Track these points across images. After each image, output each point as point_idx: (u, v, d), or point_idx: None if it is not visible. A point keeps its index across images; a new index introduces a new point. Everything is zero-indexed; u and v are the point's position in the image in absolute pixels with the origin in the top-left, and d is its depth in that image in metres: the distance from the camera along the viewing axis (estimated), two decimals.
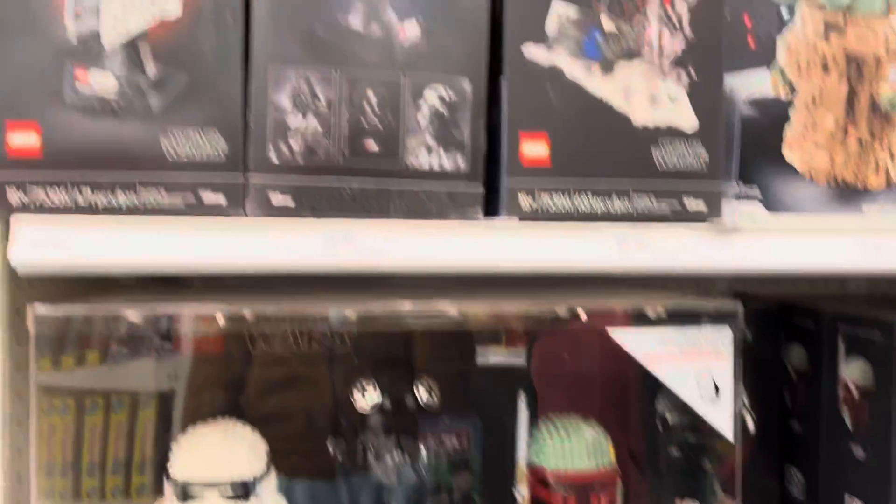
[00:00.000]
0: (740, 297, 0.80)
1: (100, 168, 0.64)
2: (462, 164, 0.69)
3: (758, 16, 0.76)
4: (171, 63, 0.66)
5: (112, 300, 0.75)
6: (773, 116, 0.77)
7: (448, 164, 0.69)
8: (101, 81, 0.65)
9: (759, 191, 0.76)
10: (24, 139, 0.63)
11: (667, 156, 0.71)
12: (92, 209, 0.64)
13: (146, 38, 0.65)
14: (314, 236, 0.66)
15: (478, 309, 0.76)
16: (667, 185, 0.71)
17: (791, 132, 0.76)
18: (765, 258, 0.74)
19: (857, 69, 0.77)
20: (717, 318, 0.78)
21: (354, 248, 0.67)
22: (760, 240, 0.74)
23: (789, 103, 0.76)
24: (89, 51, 0.64)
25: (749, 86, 0.76)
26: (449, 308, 0.73)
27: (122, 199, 0.64)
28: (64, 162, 0.64)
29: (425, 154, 0.69)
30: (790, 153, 0.76)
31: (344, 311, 0.72)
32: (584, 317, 0.75)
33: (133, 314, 0.69)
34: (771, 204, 0.76)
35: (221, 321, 0.70)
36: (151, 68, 0.65)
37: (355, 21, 0.67)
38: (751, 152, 0.76)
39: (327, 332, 0.79)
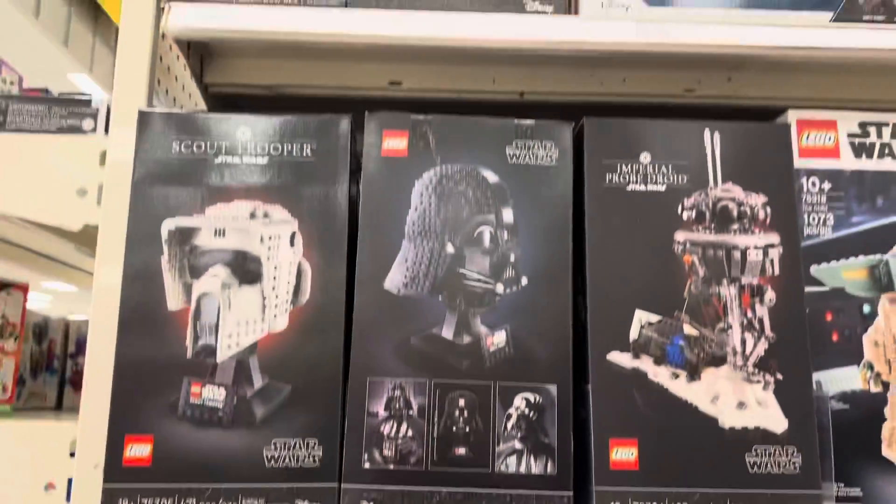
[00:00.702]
0: None
1: (204, 480, 0.67)
2: (551, 469, 0.70)
3: (840, 313, 0.77)
4: (276, 373, 0.71)
5: None
6: (866, 412, 0.75)
7: (537, 470, 0.70)
8: (213, 394, 0.70)
9: (860, 491, 0.73)
10: (139, 451, 0.68)
11: (759, 460, 0.70)
12: None
13: (255, 351, 0.71)
14: None
15: None
16: (761, 498, 0.69)
17: (888, 430, 0.75)
18: None
19: None
20: None
21: None
22: None
23: (883, 399, 0.75)
24: (204, 366, 0.70)
25: (838, 382, 0.76)
26: None
27: None
28: (172, 472, 0.67)
29: (514, 460, 0.70)
30: (891, 451, 0.74)
31: None
32: None
33: None
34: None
35: None
36: (258, 379, 0.71)
37: (448, 333, 0.72)
38: (848, 451, 0.74)
39: None
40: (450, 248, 0.74)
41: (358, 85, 0.91)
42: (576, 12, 0.79)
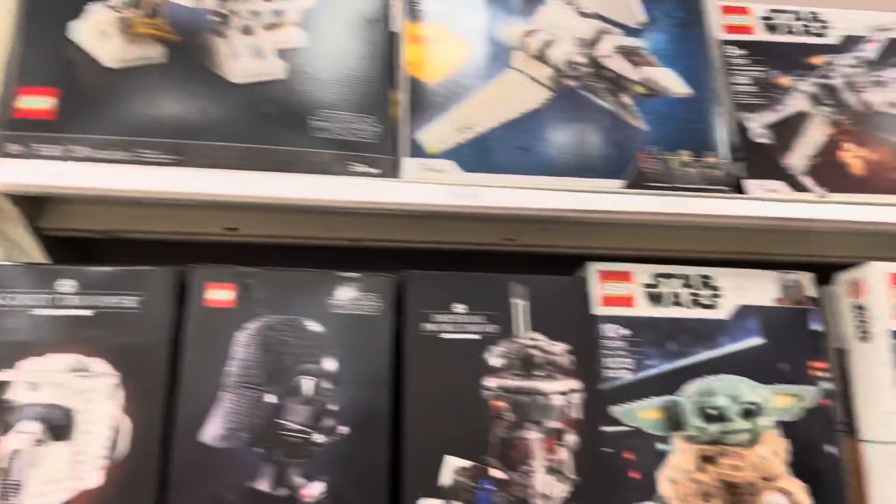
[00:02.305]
0: None
1: None
2: None
3: (638, 451, 0.84)
4: None
5: None
6: None
7: None
8: None
9: None
10: None
11: None
12: None
13: None
14: None
15: None
16: None
17: None
18: None
19: (734, 494, 0.83)
20: None
21: None
22: None
23: None
24: None
25: None
26: None
27: None
28: None
29: None
30: None
31: None
32: None
33: None
34: None
35: None
36: None
37: (263, 485, 0.73)
38: None
39: None
40: (269, 398, 0.76)
41: (194, 231, 0.94)
42: (398, 175, 0.86)
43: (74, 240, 0.94)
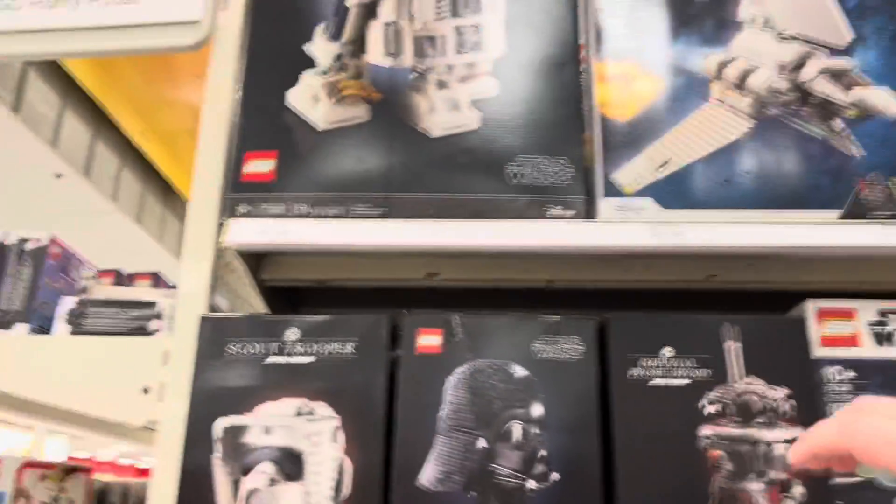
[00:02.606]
0: None
1: None
2: None
3: None
4: None
5: None
6: None
7: None
8: None
9: None
10: None
11: None
12: None
13: None
14: None
15: None
16: None
17: None
18: None
19: None
20: None
21: None
22: None
23: None
24: None
25: None
26: None
27: None
28: None
29: None
30: None
31: None
32: None
33: None
34: None
35: None
36: None
37: None
38: None
39: None
40: (481, 443, 0.78)
41: (398, 277, 0.98)
42: (594, 216, 0.85)
43: (288, 289, 1.02)
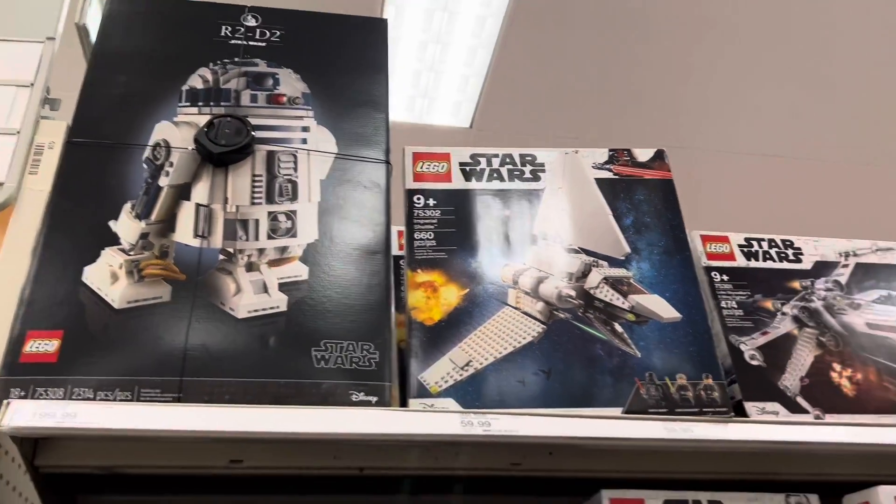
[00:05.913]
0: None
1: None
2: None
3: None
4: None
5: None
6: None
7: None
8: None
9: None
10: None
11: None
12: None
13: None
14: None
15: None
16: None
17: None
18: None
19: None
20: None
21: None
22: None
23: None
24: None
25: None
26: None
27: None
28: None
29: None
30: None
31: None
32: None
33: None
34: None
35: None
36: None
37: None
38: None
39: None
40: None
41: (197, 464, 0.92)
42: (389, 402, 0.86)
43: (69, 475, 0.93)
